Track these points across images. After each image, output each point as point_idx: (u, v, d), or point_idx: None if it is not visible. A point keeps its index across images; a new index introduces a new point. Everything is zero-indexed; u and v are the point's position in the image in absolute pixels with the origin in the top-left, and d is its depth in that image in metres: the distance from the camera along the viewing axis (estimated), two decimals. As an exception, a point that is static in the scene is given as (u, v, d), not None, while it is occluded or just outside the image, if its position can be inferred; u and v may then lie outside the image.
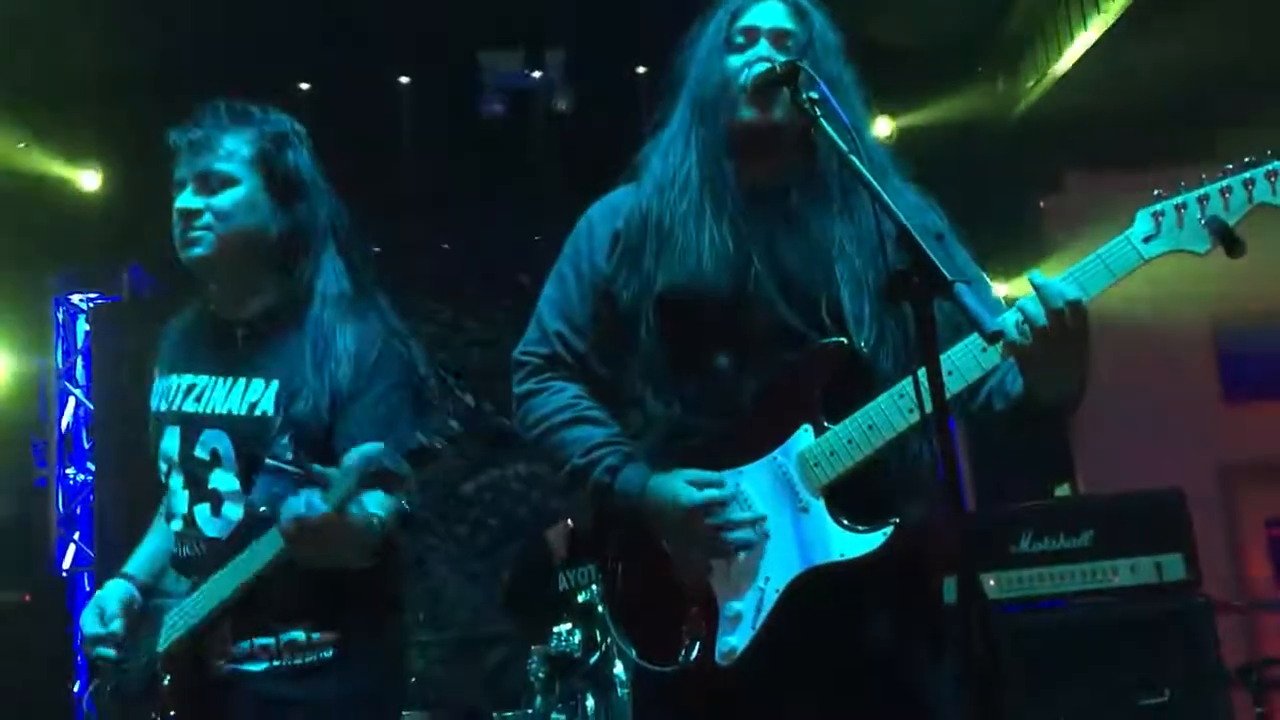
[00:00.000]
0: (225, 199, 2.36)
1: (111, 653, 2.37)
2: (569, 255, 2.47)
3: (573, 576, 4.76)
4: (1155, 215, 2.06)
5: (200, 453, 2.39)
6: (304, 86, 5.70)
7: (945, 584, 2.32)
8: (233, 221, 2.36)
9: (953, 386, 2.03)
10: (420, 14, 5.37)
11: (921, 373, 1.82)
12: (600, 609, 3.97)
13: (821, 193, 2.32)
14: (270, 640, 2.29)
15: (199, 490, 2.39)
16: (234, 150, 2.37)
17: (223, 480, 2.38)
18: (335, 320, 2.36)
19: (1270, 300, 6.71)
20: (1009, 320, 2.04)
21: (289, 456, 2.18)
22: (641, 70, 5.76)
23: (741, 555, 2.22)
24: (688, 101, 2.41)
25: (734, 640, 2.20)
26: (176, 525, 2.42)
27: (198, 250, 2.37)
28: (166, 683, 2.31)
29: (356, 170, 5.97)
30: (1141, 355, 6.52)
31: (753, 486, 2.25)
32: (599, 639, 4.01)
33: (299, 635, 2.29)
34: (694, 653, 2.23)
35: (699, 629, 2.23)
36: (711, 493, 2.22)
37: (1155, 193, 2.07)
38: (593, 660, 3.99)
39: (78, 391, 7.25)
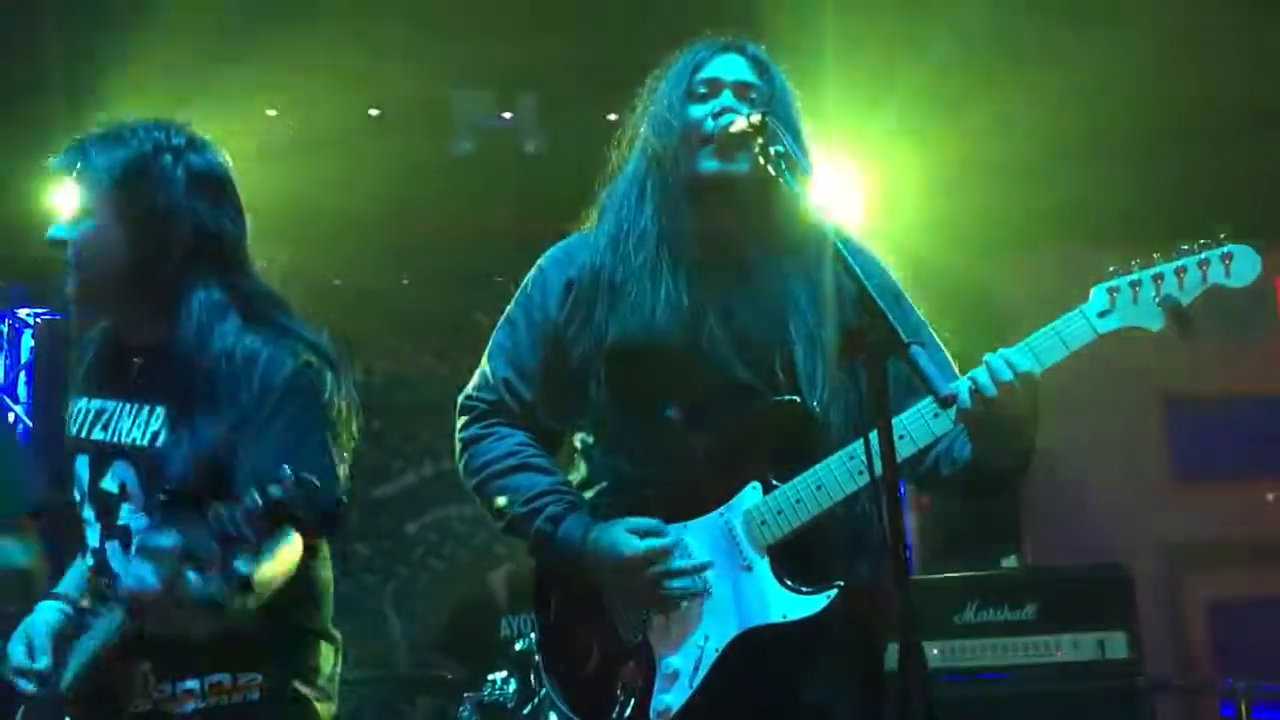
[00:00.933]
0: (80, 232, 2.27)
1: (31, 686, 2.27)
2: (521, 302, 2.44)
3: (515, 623, 4.68)
4: (1110, 291, 2.07)
5: (109, 485, 2.30)
6: (271, 113, 5.65)
7: (887, 650, 2.30)
8: (87, 256, 2.27)
9: (903, 451, 2.02)
10: (395, 49, 5.36)
11: (872, 435, 1.80)
12: (539, 657, 3.90)
13: (778, 247, 2.31)
14: (195, 683, 2.21)
15: (109, 525, 2.29)
16: (95, 179, 2.27)
17: (132, 518, 2.27)
18: (225, 349, 2.23)
19: (1221, 382, 6.80)
20: (961, 387, 2.04)
21: (172, 488, 2.11)
22: (613, 117, 5.78)
23: (682, 609, 2.18)
24: (644, 152, 2.39)
25: (669, 699, 2.16)
26: (89, 560, 2.33)
27: (69, 286, 2.30)
28: None
29: (317, 200, 6.01)
30: (1093, 430, 6.58)
31: (696, 542, 2.21)
32: (534, 688, 3.94)
33: (224, 678, 2.22)
34: (629, 710, 2.18)
35: (635, 685, 2.19)
36: (653, 542, 2.18)
37: (1110, 269, 2.08)
38: (525, 711, 3.91)
39: (18, 408, 7.10)
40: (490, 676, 4.13)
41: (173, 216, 2.27)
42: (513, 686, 4.01)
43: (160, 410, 2.26)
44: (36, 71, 5.18)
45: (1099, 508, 6.61)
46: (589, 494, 2.34)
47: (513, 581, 5.17)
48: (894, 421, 1.91)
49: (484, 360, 2.44)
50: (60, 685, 2.25)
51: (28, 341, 7.17)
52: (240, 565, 2.05)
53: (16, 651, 2.29)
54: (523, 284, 2.46)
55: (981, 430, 2.07)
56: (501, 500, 2.31)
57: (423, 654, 6.06)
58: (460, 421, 2.42)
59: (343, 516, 2.23)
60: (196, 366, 2.21)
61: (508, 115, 5.93)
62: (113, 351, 2.38)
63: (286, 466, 1.93)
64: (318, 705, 2.32)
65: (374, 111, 5.84)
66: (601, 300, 2.32)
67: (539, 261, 2.47)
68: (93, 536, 2.32)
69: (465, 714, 4.10)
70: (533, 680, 3.91)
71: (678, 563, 2.18)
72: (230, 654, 2.21)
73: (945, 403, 1.86)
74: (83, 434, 2.35)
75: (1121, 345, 2.11)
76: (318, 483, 1.94)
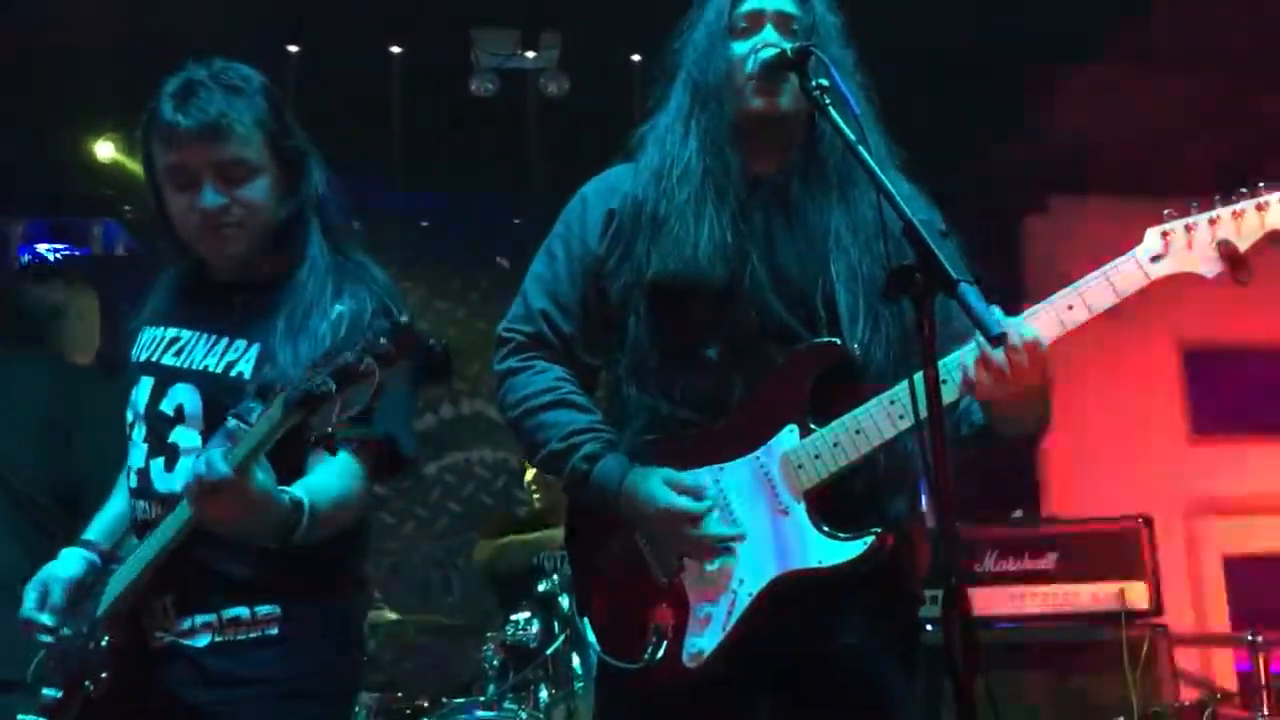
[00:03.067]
0: (253, 192, 2.21)
1: (47, 637, 2.26)
2: (560, 233, 2.40)
3: (540, 559, 4.69)
4: (1164, 235, 2.02)
5: (165, 407, 2.26)
6: (292, 49, 5.58)
7: (922, 595, 2.29)
8: (261, 214, 2.23)
9: (946, 395, 1.98)
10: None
11: (917, 377, 1.77)
12: (561, 599, 3.92)
13: (820, 182, 2.27)
14: (212, 616, 2.17)
15: (158, 445, 2.26)
16: (248, 136, 2.19)
17: (184, 436, 2.24)
18: (320, 289, 2.22)
19: (1239, 335, 6.76)
20: (967, 357, 1.99)
21: (252, 419, 2.02)
22: (636, 58, 5.69)
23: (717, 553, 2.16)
24: (687, 87, 2.33)
25: (702, 642, 2.15)
26: (132, 481, 2.30)
27: (234, 249, 2.24)
28: (104, 644, 2.20)
29: (340, 139, 5.95)
30: (1113, 386, 6.54)
31: (732, 484, 2.19)
32: (556, 630, 3.96)
33: (243, 612, 2.17)
34: (660, 652, 2.17)
35: (667, 628, 2.18)
36: (688, 503, 2.15)
37: (1165, 212, 2.03)
38: (549, 651, 3.93)
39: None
40: (513, 617, 4.16)
41: (313, 161, 2.30)
42: (535, 627, 4.04)
43: (241, 342, 2.24)
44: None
45: (1118, 461, 6.60)
46: (625, 431, 2.31)
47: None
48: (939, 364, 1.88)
49: (522, 291, 2.40)
50: (97, 613, 2.24)
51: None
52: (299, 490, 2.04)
53: (29, 600, 2.28)
54: (563, 213, 2.42)
55: (994, 400, 2.02)
56: (538, 436, 2.29)
57: (440, 597, 6.11)
58: (499, 354, 2.38)
59: (412, 467, 2.26)
60: (303, 305, 2.20)
61: (530, 55, 5.86)
62: (205, 286, 2.34)
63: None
64: (342, 642, 2.30)
65: (395, 49, 5.79)
66: (643, 234, 2.27)
67: (581, 190, 2.42)
68: (137, 457, 2.30)
69: (488, 653, 4.13)
70: (556, 622, 3.94)
71: (713, 527, 2.15)
72: (256, 588, 2.18)
73: (996, 341, 1.82)
74: (151, 359, 2.32)
75: (1140, 298, 2.06)
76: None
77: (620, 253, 2.30)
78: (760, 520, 2.16)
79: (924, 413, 1.81)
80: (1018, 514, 6.14)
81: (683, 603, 2.18)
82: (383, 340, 1.85)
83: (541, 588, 4.08)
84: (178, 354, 2.29)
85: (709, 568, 2.17)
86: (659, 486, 2.16)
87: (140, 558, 2.18)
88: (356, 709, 4.32)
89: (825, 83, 2.05)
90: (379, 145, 5.97)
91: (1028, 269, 6.72)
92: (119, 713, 2.18)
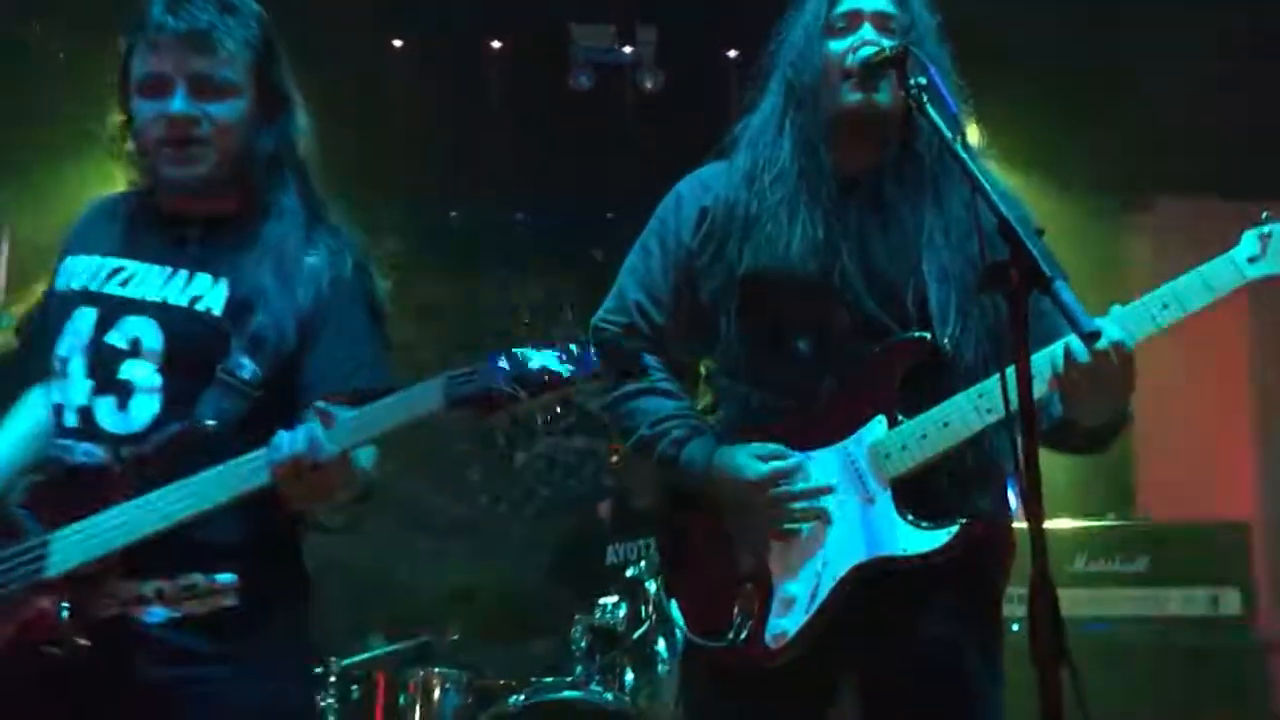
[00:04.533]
0: (227, 110, 2.08)
1: None
2: (655, 228, 2.46)
3: (621, 551, 4.77)
4: (1262, 237, 2.02)
5: (115, 340, 2.07)
6: (397, 43, 5.72)
7: (1004, 591, 2.31)
8: (230, 137, 2.09)
9: (1035, 391, 2.00)
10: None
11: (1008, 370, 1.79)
12: (649, 584, 3.99)
13: (913, 180, 2.30)
14: (166, 585, 1.98)
15: (105, 381, 2.05)
16: (235, 54, 2.07)
17: (138, 372, 2.05)
18: (298, 236, 2.12)
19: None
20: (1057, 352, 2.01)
21: (246, 376, 1.96)
22: (733, 54, 5.72)
23: (802, 536, 2.21)
24: (782, 87, 2.37)
25: (786, 623, 2.20)
26: (68, 420, 2.07)
27: (198, 170, 2.08)
28: (66, 615, 1.94)
29: (439, 132, 6.06)
30: (1216, 386, 6.41)
31: (820, 471, 2.23)
32: (643, 615, 4.02)
33: (197, 578, 1.99)
34: (744, 632, 2.22)
35: (752, 609, 2.23)
36: (776, 464, 2.21)
37: (1264, 214, 2.03)
38: (635, 635, 4.00)
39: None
40: (601, 600, 4.24)
41: (290, 99, 2.19)
42: (623, 611, 4.11)
43: (205, 277, 2.09)
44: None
45: (1215, 464, 6.47)
46: (714, 420, 2.37)
47: (618, 512, 5.27)
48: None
49: (617, 284, 2.47)
50: (44, 573, 1.97)
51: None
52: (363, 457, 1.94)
53: None
54: (658, 209, 2.48)
55: (1076, 395, 2.04)
56: (628, 423, 2.36)
57: (528, 579, 6.21)
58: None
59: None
60: (266, 248, 2.10)
61: (628, 50, 5.91)
62: (153, 217, 2.17)
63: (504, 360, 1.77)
64: (301, 621, 2.16)
65: (496, 44, 5.89)
66: (735, 232, 2.32)
67: (676, 187, 2.48)
68: (76, 393, 2.08)
69: (577, 635, 4.21)
70: (642, 607, 4.01)
71: (799, 485, 2.21)
72: (210, 552, 2.00)
73: (1089, 339, 1.84)
74: (91, 287, 2.12)
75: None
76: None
77: (713, 251, 2.35)
78: (847, 507, 2.20)
79: (1014, 406, 1.84)
80: (1110, 516, 6.06)
81: (768, 584, 2.23)
82: (587, 359, 1.78)
83: (630, 573, 4.16)
84: (123, 284, 2.11)
85: (795, 549, 2.21)
86: (745, 457, 2.23)
87: (142, 519, 1.94)
88: (447, 686, 4.45)
89: (924, 81, 2.07)
90: (477, 138, 6.08)
91: (1126, 268, 6.61)
92: (76, 688, 1.97)
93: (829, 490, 2.21)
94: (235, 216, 2.15)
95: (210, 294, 2.09)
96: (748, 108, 2.45)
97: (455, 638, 5.07)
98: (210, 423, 1.99)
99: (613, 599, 4.19)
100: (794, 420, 2.28)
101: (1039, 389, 2.04)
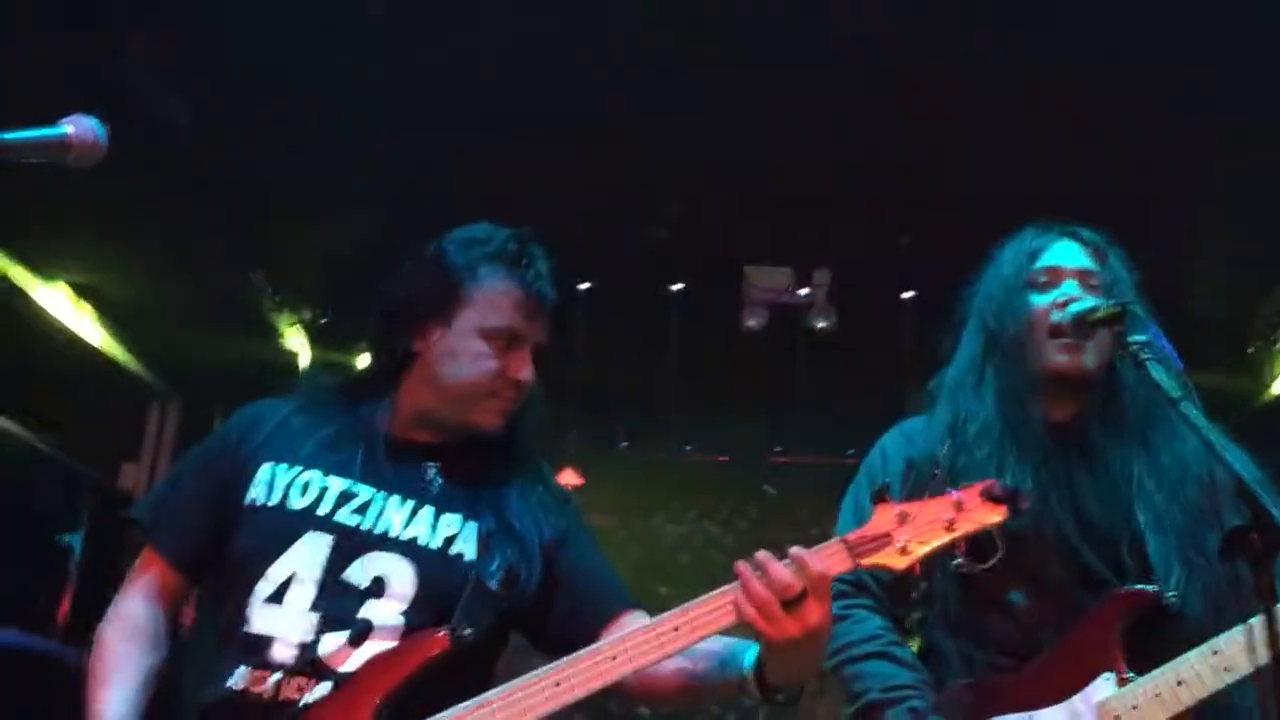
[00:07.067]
0: (533, 372, 2.14)
1: None
2: (864, 483, 2.45)
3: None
4: None
5: (356, 577, 1.97)
6: (582, 286, 5.98)
7: None
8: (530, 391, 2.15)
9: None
10: (702, 229, 5.58)
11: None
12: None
13: (1119, 427, 2.29)
14: None
15: (338, 617, 1.95)
16: (552, 307, 2.16)
17: (381, 613, 1.96)
18: (534, 470, 2.18)
19: None
20: None
21: (466, 633, 1.91)
22: (907, 295, 5.81)
23: None
24: (981, 338, 2.40)
25: None
26: (281, 654, 1.93)
27: (502, 423, 2.12)
28: None
29: (624, 370, 6.24)
30: None
31: (1047, 731, 2.17)
32: None
33: None
34: None
35: None
36: None
37: None
38: None
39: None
40: None
41: None
42: None
43: (455, 517, 2.05)
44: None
45: None
46: (932, 676, 2.32)
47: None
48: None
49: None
50: None
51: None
52: None
53: None
54: (864, 464, 2.49)
55: None
56: (858, 684, 2.31)
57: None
58: None
59: None
60: (512, 479, 2.14)
61: (803, 292, 6.06)
62: (376, 437, 2.11)
63: None
64: None
65: (675, 286, 6.11)
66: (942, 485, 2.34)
67: (879, 442, 2.50)
68: (294, 627, 1.95)
69: None
70: None
71: None
72: None
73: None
74: (320, 512, 2.02)
75: None
76: None
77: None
78: (1077, 769, 2.12)
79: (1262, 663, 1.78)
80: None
81: None
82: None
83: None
84: (361, 512, 2.03)
85: None
86: None
87: None
88: None
89: (1143, 338, 2.09)
90: (657, 375, 6.25)
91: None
92: None
93: None
94: (464, 445, 2.13)
95: (461, 535, 2.05)
96: (943, 359, 2.47)
97: None
98: (468, 632, 1.92)
99: None
100: (1016, 677, 2.22)
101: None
